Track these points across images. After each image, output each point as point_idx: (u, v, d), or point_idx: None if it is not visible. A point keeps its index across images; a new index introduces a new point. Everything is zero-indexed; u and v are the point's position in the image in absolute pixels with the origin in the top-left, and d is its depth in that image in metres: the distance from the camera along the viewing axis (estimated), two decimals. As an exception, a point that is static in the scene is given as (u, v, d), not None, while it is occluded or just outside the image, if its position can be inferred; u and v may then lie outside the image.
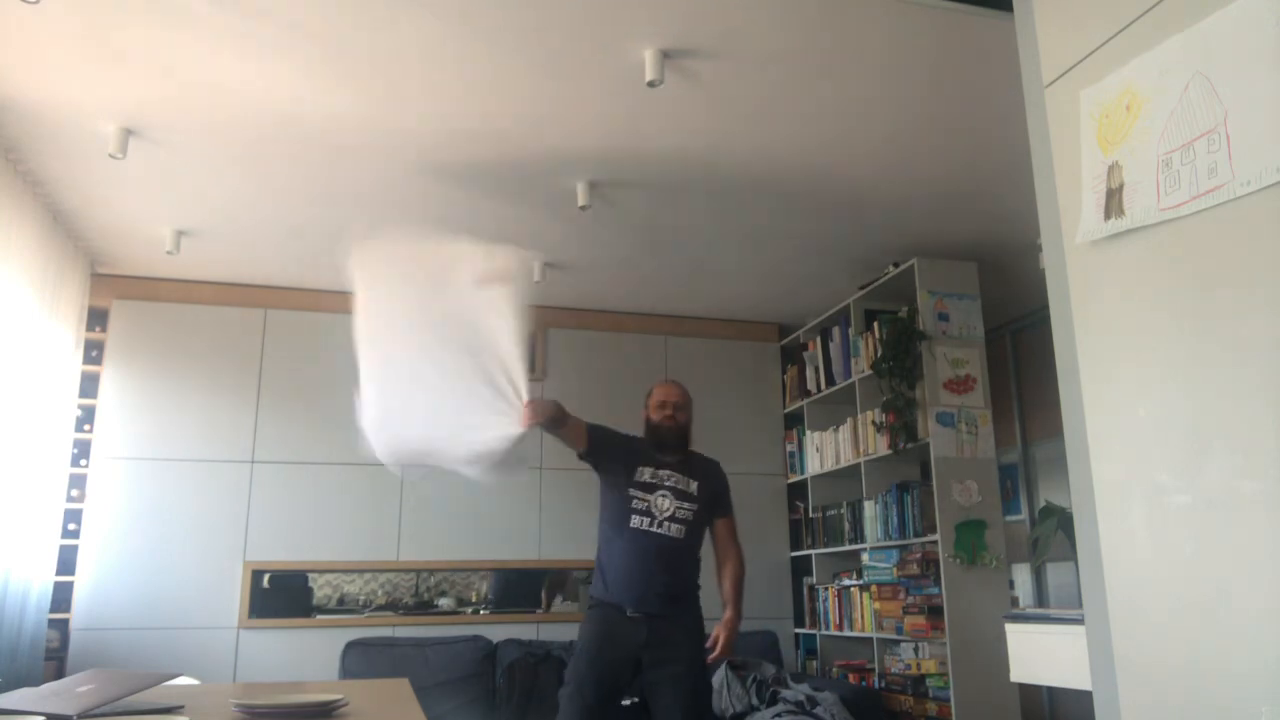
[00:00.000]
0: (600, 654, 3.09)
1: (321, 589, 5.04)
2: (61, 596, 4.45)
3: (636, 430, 3.32)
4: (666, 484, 3.19)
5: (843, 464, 5.10)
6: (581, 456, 3.26)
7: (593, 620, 3.19)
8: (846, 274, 4.95)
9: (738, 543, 3.30)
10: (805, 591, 5.43)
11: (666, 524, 3.14)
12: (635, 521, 3.14)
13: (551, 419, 3.11)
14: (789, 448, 5.71)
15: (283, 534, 4.83)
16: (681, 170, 3.75)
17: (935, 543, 4.29)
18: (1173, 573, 1.68)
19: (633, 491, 3.17)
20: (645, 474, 3.19)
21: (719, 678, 4.52)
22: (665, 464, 3.22)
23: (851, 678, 4.81)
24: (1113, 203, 1.82)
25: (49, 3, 2.64)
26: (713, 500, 3.26)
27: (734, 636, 3.16)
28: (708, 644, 3.14)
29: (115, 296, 4.87)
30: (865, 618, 4.82)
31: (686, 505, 3.18)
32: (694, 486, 3.22)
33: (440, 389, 3.08)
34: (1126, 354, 1.82)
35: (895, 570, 4.53)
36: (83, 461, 4.68)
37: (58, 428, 4.33)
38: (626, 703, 4.55)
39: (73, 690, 1.65)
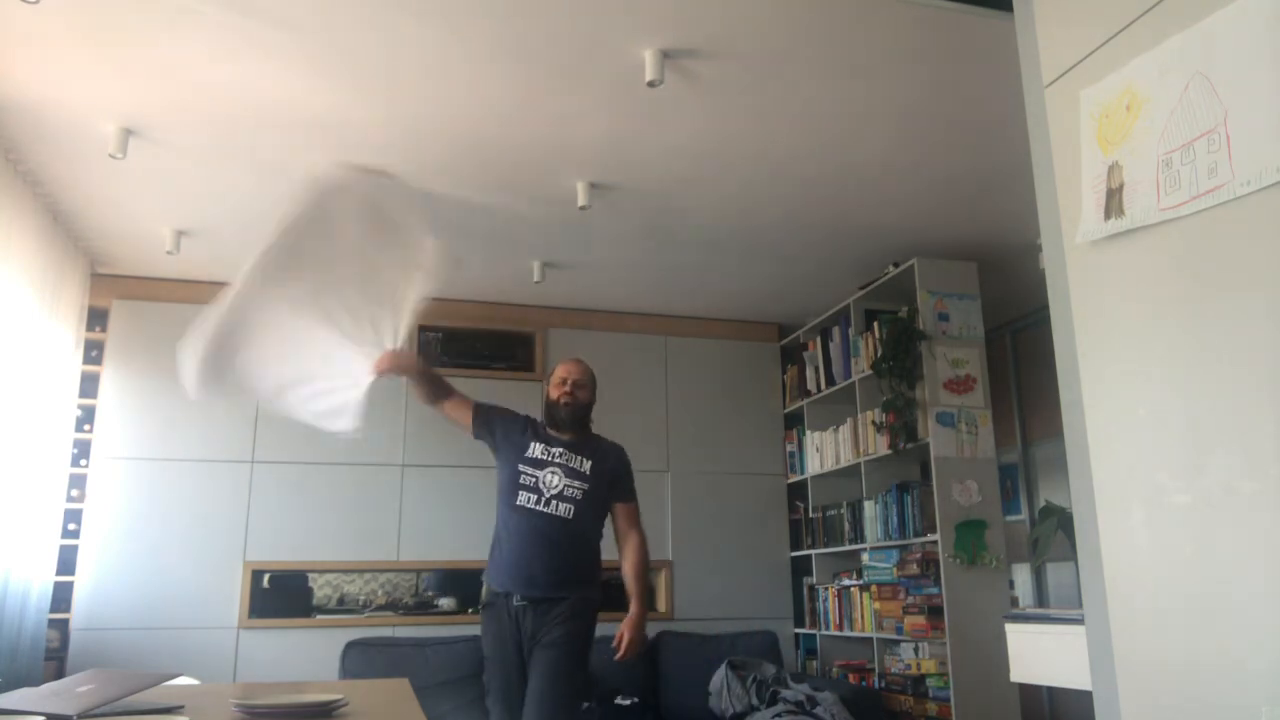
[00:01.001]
0: (501, 659, 3.01)
1: (321, 589, 5.04)
2: (61, 596, 4.45)
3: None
4: (556, 461, 3.09)
5: (843, 464, 5.10)
6: (475, 436, 3.21)
7: (486, 621, 3.11)
8: (846, 274, 4.95)
9: (640, 529, 3.18)
10: (805, 591, 5.43)
11: (555, 502, 3.03)
12: (522, 498, 3.04)
13: (416, 373, 3.11)
14: (789, 448, 5.71)
15: (283, 534, 4.83)
16: (681, 170, 3.75)
17: (935, 543, 4.29)
18: (1173, 573, 1.68)
19: (522, 467, 3.08)
20: (536, 449, 3.11)
21: (719, 678, 4.52)
22: (559, 442, 3.14)
23: (851, 678, 4.81)
24: (1113, 203, 1.82)
25: (49, 3, 2.64)
26: (609, 481, 3.14)
27: (639, 633, 3.03)
28: (613, 644, 3.01)
29: (115, 296, 4.87)
30: (865, 618, 4.82)
31: (576, 484, 3.06)
32: (586, 466, 3.10)
33: (308, 334, 2.96)
34: (1126, 354, 1.82)
35: (895, 570, 4.53)
36: (83, 461, 4.68)
37: (58, 428, 4.33)
38: (626, 702, 4.57)
39: (73, 690, 1.65)
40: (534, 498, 3.05)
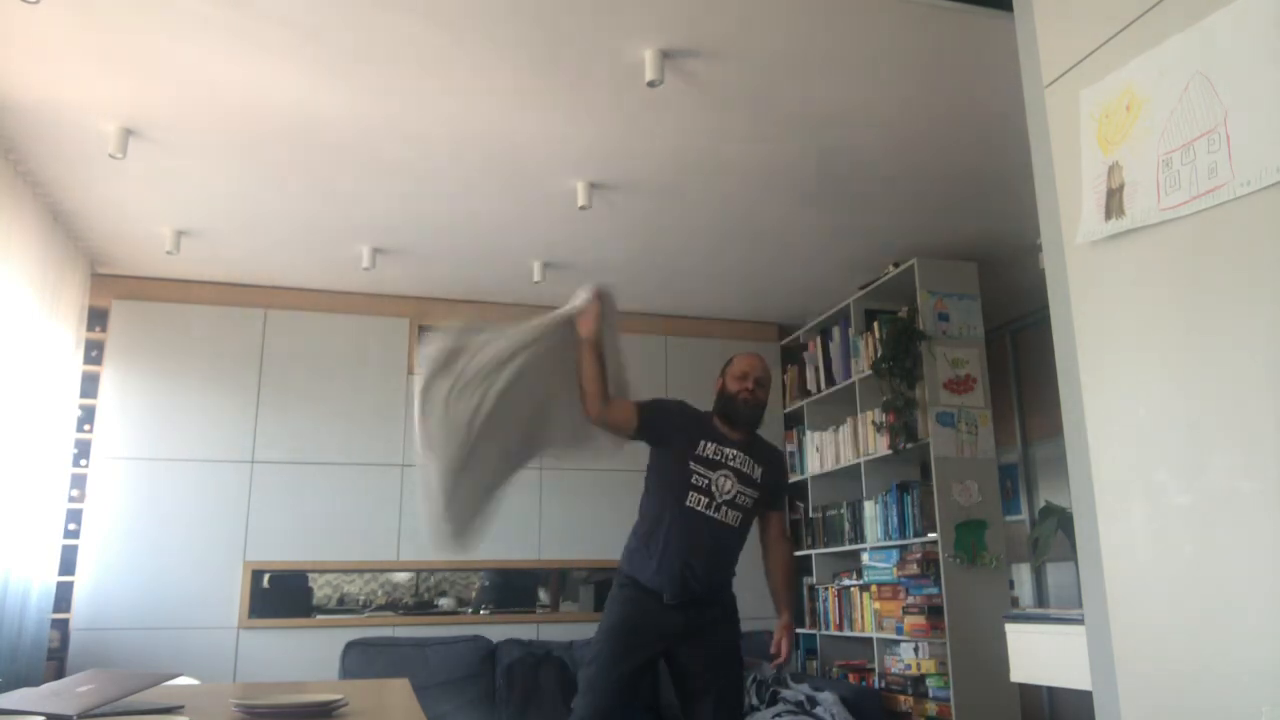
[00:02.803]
0: (630, 637, 2.80)
1: (321, 589, 5.04)
2: (62, 596, 4.45)
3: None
4: (731, 464, 2.87)
5: (843, 464, 5.10)
6: (632, 437, 2.89)
7: (624, 601, 2.86)
8: (846, 274, 4.95)
9: (789, 538, 3.11)
10: (805, 591, 5.42)
11: (724, 509, 2.84)
12: (692, 500, 2.82)
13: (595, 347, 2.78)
14: (789, 448, 5.71)
15: (283, 534, 4.83)
16: (681, 170, 3.75)
17: (935, 543, 4.29)
18: (1173, 573, 1.68)
19: (694, 465, 2.84)
20: (709, 448, 2.87)
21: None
22: (732, 442, 2.90)
23: (851, 678, 4.81)
24: (1113, 203, 1.82)
25: (49, 3, 2.64)
26: (773, 491, 2.99)
27: (792, 639, 2.98)
28: (771, 650, 2.97)
29: (115, 296, 4.87)
30: (865, 618, 4.82)
31: (748, 491, 2.88)
32: (759, 472, 2.91)
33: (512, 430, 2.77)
34: (1126, 354, 1.82)
35: (895, 570, 4.53)
36: (83, 461, 4.68)
37: (58, 428, 4.33)
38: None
39: (73, 690, 1.65)
40: (705, 500, 2.83)
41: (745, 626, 3.05)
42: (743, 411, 2.92)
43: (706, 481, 2.84)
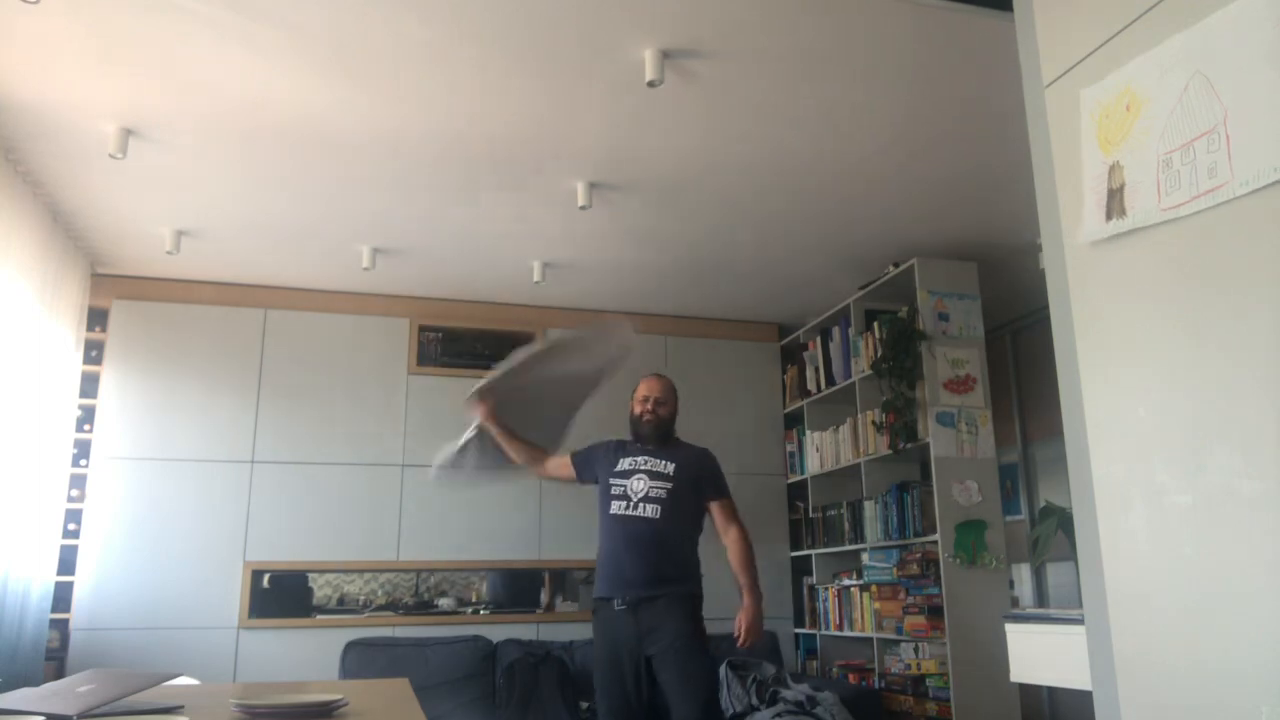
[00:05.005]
0: (607, 658, 3.15)
1: (321, 589, 5.04)
2: (62, 596, 4.45)
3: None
4: (643, 468, 3.28)
5: (843, 464, 5.10)
6: (583, 482, 3.46)
7: (595, 623, 3.26)
8: (846, 274, 4.95)
9: (739, 523, 3.31)
10: (805, 591, 5.43)
11: (641, 504, 3.19)
12: (614, 507, 3.23)
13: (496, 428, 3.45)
14: (789, 448, 5.71)
15: (283, 534, 4.84)
16: (681, 170, 3.75)
17: (935, 543, 4.29)
18: (1173, 573, 1.68)
19: (613, 480, 3.29)
20: (625, 463, 3.31)
21: (719, 678, 4.51)
22: (646, 451, 3.33)
23: (851, 678, 4.81)
24: (1114, 203, 1.82)
25: (49, 3, 2.65)
26: (696, 481, 3.29)
27: (756, 620, 3.17)
28: (734, 634, 3.17)
29: (115, 296, 4.87)
30: (865, 618, 4.82)
31: (660, 484, 3.23)
32: (669, 467, 3.27)
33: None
34: (1127, 354, 1.82)
35: (895, 570, 4.53)
36: (83, 461, 4.68)
37: (58, 428, 4.32)
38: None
39: (73, 690, 1.65)
40: (624, 504, 3.22)
41: (711, 629, 3.23)
42: (646, 429, 3.36)
43: (623, 488, 3.26)
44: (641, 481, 3.24)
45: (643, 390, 3.42)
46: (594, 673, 3.24)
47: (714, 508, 3.31)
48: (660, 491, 3.21)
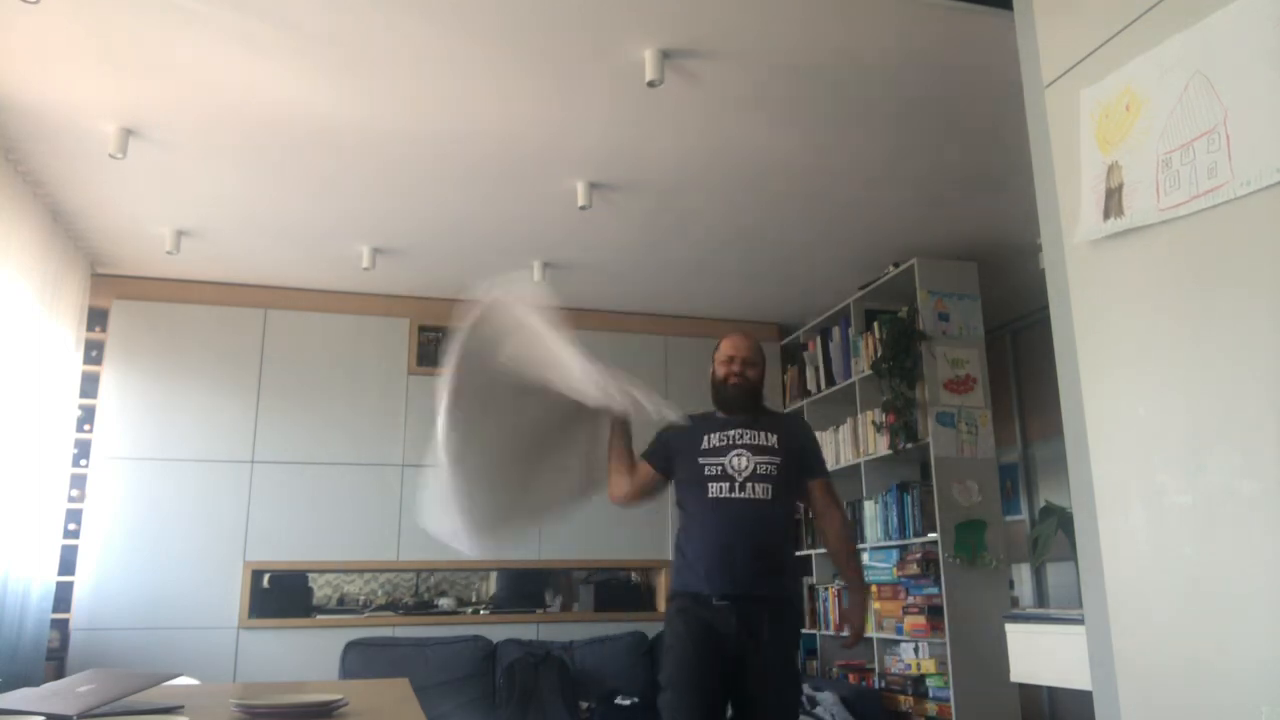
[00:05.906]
0: (690, 654, 2.63)
1: (321, 589, 5.04)
2: (62, 596, 4.45)
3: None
4: (740, 442, 2.74)
5: (843, 464, 5.09)
6: (665, 478, 2.87)
7: (676, 617, 2.72)
8: (847, 274, 4.95)
9: (840, 504, 2.88)
10: (805, 591, 5.42)
11: (749, 485, 2.68)
12: (714, 489, 2.69)
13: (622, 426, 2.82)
14: (789, 448, 5.70)
15: (283, 534, 4.84)
16: (681, 170, 3.75)
17: (935, 543, 4.29)
18: (1173, 573, 1.68)
19: (703, 461, 2.74)
20: (713, 440, 2.76)
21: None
22: (736, 423, 2.79)
23: (851, 678, 4.80)
24: (1112, 202, 1.82)
25: (49, 3, 2.64)
26: (799, 457, 2.80)
27: (862, 620, 2.83)
28: (837, 632, 2.85)
29: (115, 296, 4.87)
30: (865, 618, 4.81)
31: (767, 460, 2.72)
32: (774, 439, 2.76)
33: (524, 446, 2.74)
34: (1127, 354, 1.82)
35: (895, 570, 4.53)
36: (83, 461, 4.68)
37: (58, 428, 4.33)
38: (626, 702, 4.57)
39: (73, 690, 1.65)
40: (726, 485, 2.69)
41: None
42: (733, 394, 2.82)
43: (720, 467, 2.72)
44: (744, 458, 2.71)
45: (726, 349, 2.87)
46: (667, 672, 2.66)
47: (815, 487, 2.83)
48: (770, 468, 2.70)
